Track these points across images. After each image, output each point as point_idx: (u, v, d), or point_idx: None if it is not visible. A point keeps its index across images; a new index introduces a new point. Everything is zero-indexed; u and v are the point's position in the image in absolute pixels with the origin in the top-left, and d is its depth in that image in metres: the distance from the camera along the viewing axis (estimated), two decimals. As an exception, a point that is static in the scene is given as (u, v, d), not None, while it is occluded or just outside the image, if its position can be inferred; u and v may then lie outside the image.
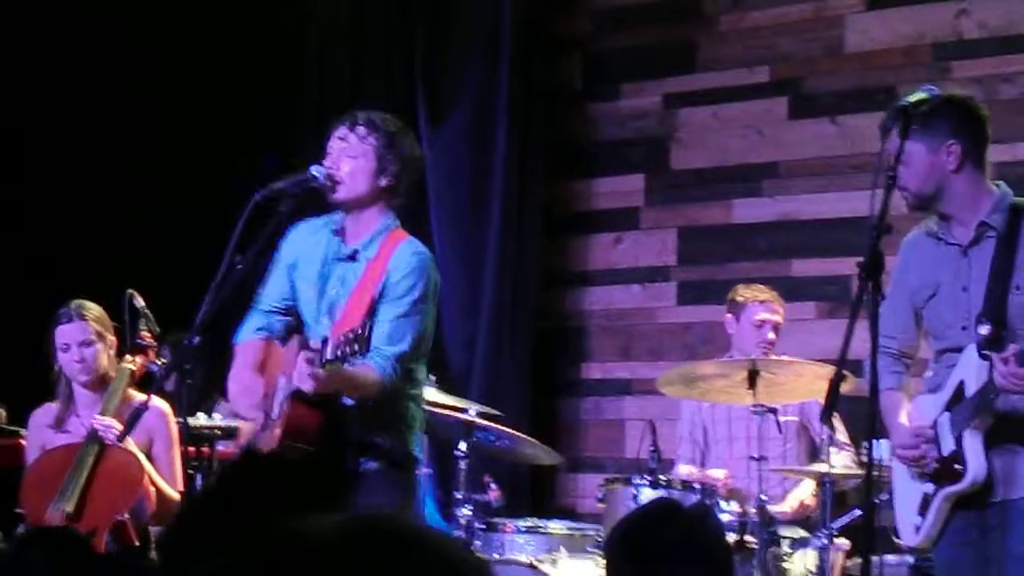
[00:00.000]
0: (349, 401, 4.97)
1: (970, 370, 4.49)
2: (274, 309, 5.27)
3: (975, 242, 4.56)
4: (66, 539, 3.48)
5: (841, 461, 6.14)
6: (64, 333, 5.65)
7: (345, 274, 5.09)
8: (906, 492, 4.68)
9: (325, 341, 4.70)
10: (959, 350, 4.55)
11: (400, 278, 4.97)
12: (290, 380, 4.89)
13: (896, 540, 4.90)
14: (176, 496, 5.57)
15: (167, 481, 5.58)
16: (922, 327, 4.76)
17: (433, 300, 5.08)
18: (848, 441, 6.42)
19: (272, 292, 5.27)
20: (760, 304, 6.67)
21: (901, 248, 4.63)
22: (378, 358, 4.84)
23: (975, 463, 4.45)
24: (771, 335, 6.61)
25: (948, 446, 4.51)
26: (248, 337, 5.26)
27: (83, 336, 5.64)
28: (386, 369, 4.87)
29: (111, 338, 5.70)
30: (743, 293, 6.73)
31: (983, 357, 4.43)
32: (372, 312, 4.93)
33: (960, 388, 4.52)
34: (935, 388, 4.64)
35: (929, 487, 4.58)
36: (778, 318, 6.66)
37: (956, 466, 4.48)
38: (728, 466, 6.58)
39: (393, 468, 5.06)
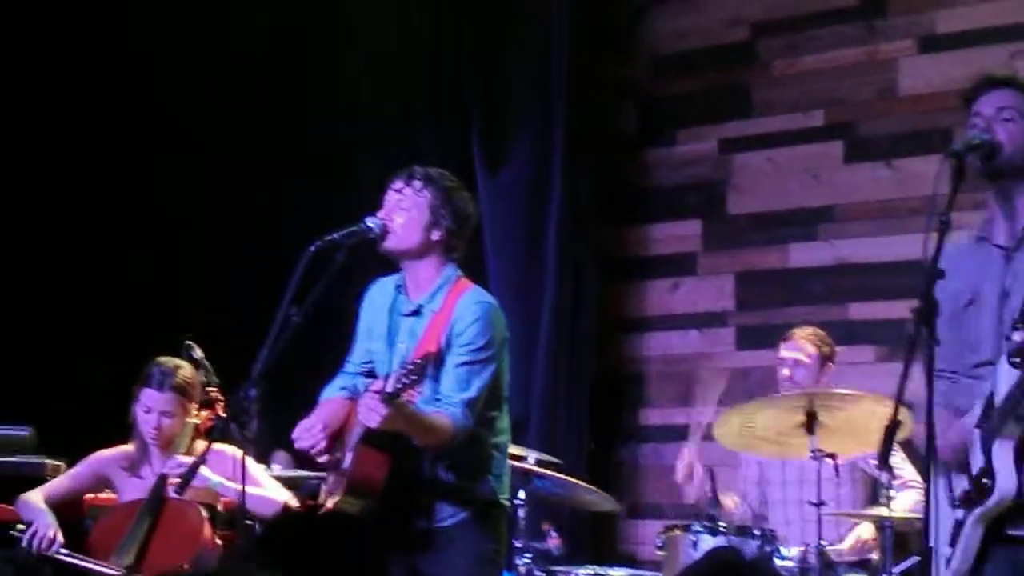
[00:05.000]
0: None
1: (1000, 382, 4.14)
2: (358, 372, 5.32)
3: (1021, 243, 4.31)
4: None
5: (909, 499, 6.09)
6: (150, 397, 5.68)
7: (413, 328, 5.12)
8: (941, 524, 4.33)
9: (387, 376, 4.73)
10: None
11: (464, 327, 4.99)
12: (361, 427, 4.93)
13: None
14: (281, 498, 5.58)
15: (265, 490, 5.59)
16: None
17: (501, 347, 5.07)
18: (917, 479, 6.29)
19: (355, 355, 5.33)
20: (783, 343, 6.63)
21: (942, 256, 4.15)
22: (448, 405, 4.88)
23: (1003, 475, 4.11)
24: (785, 371, 6.54)
25: (977, 463, 4.18)
26: (332, 395, 5.29)
27: (166, 407, 5.68)
28: (457, 416, 4.88)
29: (193, 408, 5.75)
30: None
31: (1014, 365, 4.09)
32: (440, 362, 4.95)
33: (990, 400, 4.17)
34: (968, 408, 4.27)
35: (960, 513, 4.25)
36: (799, 355, 6.54)
37: (984, 480, 4.15)
38: (782, 509, 6.55)
39: (480, 517, 5.04)
